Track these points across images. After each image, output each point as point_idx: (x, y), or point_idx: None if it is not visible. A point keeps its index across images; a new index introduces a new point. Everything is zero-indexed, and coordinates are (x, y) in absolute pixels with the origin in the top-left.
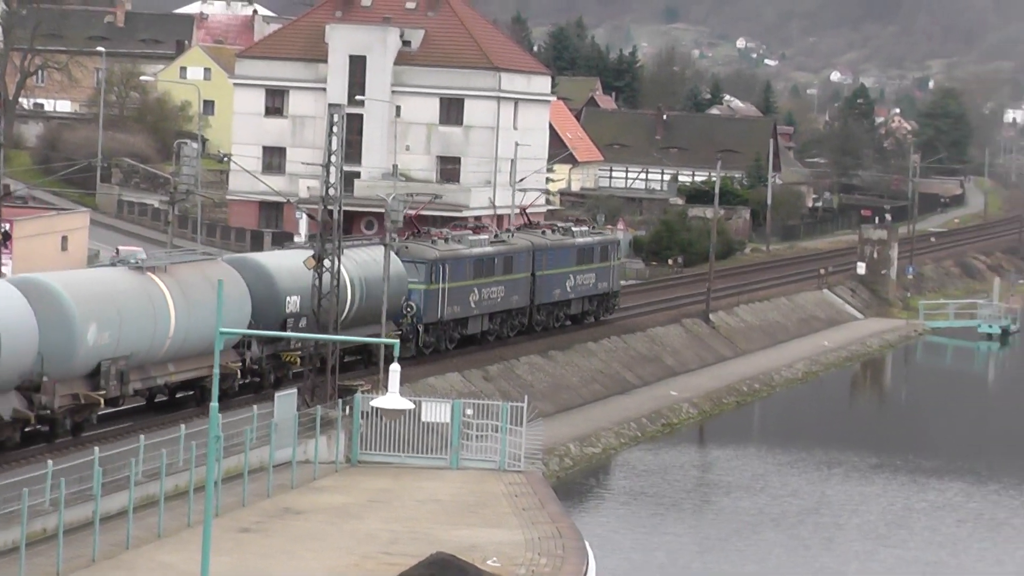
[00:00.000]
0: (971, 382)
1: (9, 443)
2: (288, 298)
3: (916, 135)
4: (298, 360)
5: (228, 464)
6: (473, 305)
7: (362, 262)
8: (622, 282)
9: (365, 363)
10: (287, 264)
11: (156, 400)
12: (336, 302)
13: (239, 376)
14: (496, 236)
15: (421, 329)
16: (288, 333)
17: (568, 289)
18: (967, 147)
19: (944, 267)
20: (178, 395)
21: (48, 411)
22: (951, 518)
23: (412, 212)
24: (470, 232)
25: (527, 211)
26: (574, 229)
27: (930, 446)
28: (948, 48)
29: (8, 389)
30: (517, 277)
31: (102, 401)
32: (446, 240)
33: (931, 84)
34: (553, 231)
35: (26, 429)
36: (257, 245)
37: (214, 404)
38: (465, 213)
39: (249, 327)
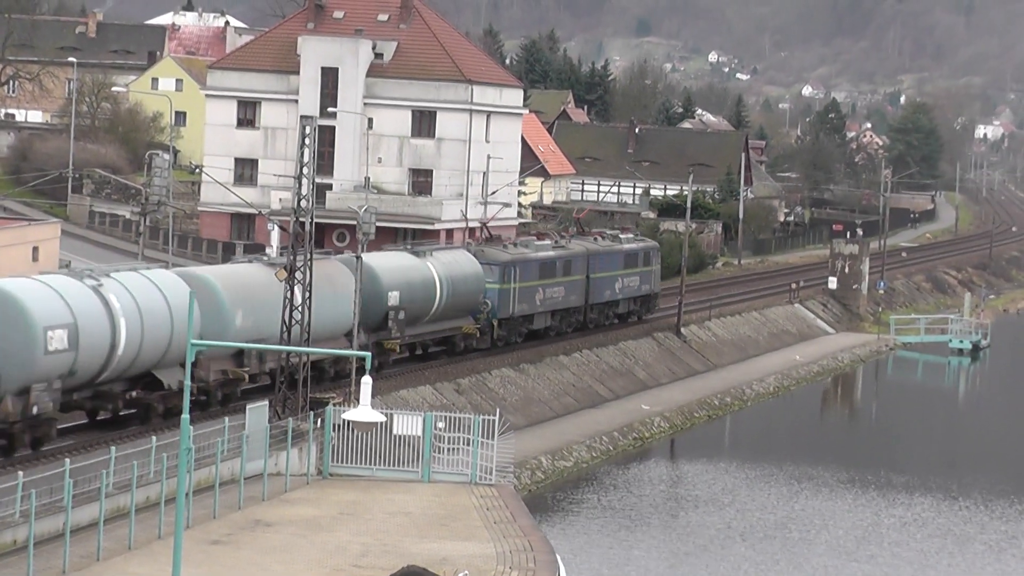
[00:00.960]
0: (942, 397)
1: (175, 409)
2: (389, 292)
3: (887, 150)
4: (246, 377)
5: (199, 476)
6: (538, 303)
7: (447, 262)
8: None
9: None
10: (388, 263)
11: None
12: (310, 314)
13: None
14: (556, 242)
15: (496, 324)
16: (249, 344)
17: (617, 290)
18: (938, 162)
19: (915, 282)
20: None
21: (204, 383)
22: (920, 534)
23: (486, 220)
24: (535, 238)
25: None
26: (621, 236)
27: (900, 461)
28: (919, 63)
29: (175, 364)
30: (575, 279)
31: (247, 377)
32: (515, 245)
33: (902, 99)
34: (603, 238)
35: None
36: (228, 257)
37: (185, 416)
38: (437, 226)
39: (359, 320)
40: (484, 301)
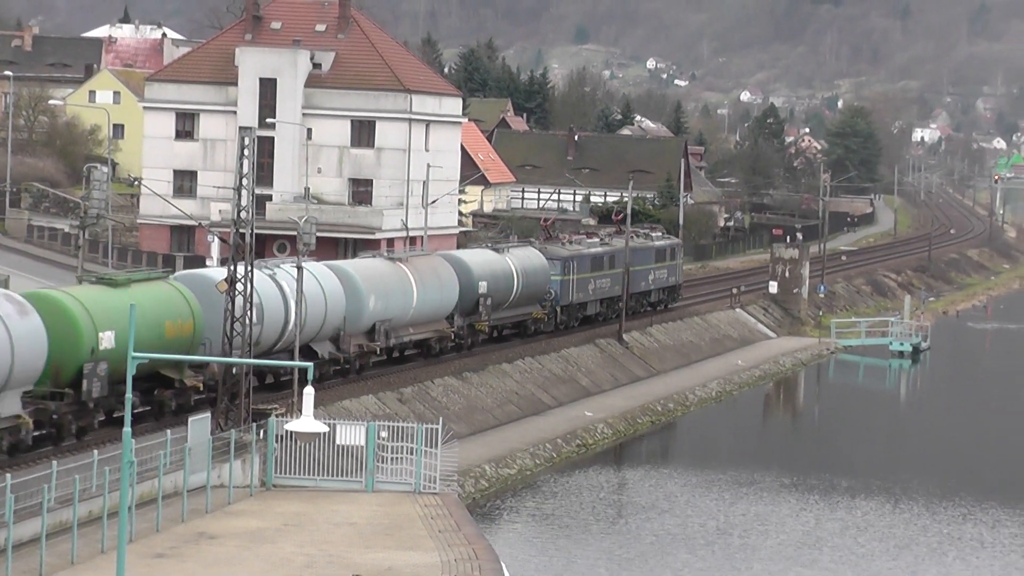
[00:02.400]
0: (883, 400)
1: (326, 375)
2: (480, 282)
3: (826, 154)
4: (377, 349)
5: (142, 489)
6: (590, 292)
7: (521, 257)
8: None
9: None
10: (477, 259)
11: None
12: (251, 325)
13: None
14: (602, 240)
15: (559, 310)
16: (197, 357)
17: (650, 281)
18: (876, 166)
19: (855, 285)
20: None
21: (345, 355)
22: (862, 537)
23: (547, 222)
24: (585, 236)
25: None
26: (652, 234)
27: (842, 465)
28: (856, 68)
29: (325, 339)
30: (617, 271)
31: (378, 349)
32: (571, 243)
33: (840, 103)
34: (636, 236)
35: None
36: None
37: (127, 429)
38: (378, 235)
39: (455, 306)
40: (549, 291)
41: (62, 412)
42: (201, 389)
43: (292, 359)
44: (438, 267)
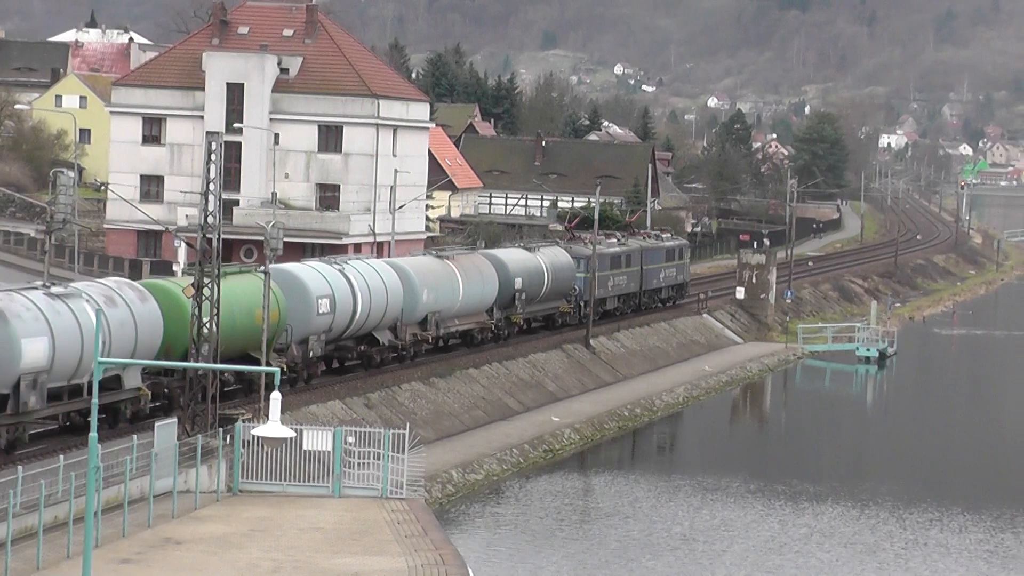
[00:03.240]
0: (849, 405)
1: (385, 360)
2: (516, 278)
3: (793, 160)
4: (429, 338)
5: (108, 494)
6: (610, 289)
7: (550, 256)
8: None
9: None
10: (513, 256)
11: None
12: (218, 330)
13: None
14: (620, 241)
15: (583, 304)
16: (170, 363)
17: (661, 279)
18: (843, 171)
19: (822, 291)
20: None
21: (401, 342)
22: (828, 543)
23: (572, 223)
24: (603, 237)
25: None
26: (662, 236)
27: (809, 470)
28: (823, 73)
29: (385, 327)
30: (633, 270)
31: (430, 338)
32: (588, 243)
33: (807, 109)
34: (649, 237)
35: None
36: (136, 274)
37: (93, 434)
38: (345, 240)
39: (495, 300)
40: (574, 287)
41: (172, 386)
42: (285, 371)
43: (358, 346)
44: (480, 265)
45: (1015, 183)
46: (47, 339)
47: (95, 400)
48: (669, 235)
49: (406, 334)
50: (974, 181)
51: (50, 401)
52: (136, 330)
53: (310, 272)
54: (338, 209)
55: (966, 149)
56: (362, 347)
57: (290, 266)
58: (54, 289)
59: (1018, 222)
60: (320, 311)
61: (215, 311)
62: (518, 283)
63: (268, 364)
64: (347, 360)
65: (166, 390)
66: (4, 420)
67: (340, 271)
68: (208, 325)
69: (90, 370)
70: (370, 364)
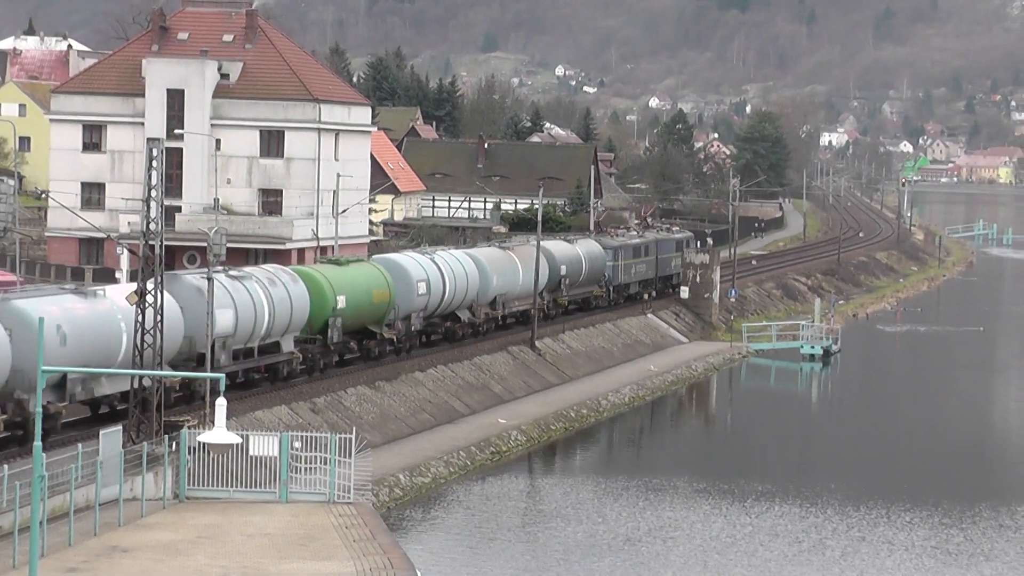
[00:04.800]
0: (795, 403)
1: (465, 334)
2: (561, 266)
3: (735, 159)
4: (396, 338)
5: (53, 503)
6: (633, 275)
7: (586, 246)
8: None
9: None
10: (557, 248)
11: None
12: (162, 337)
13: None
14: (639, 233)
15: (611, 288)
16: (112, 370)
17: (672, 267)
18: (785, 170)
19: (766, 290)
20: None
21: (477, 320)
22: (774, 542)
23: (601, 216)
24: (624, 229)
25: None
26: (672, 229)
27: (755, 469)
28: (764, 72)
29: (465, 307)
30: (650, 259)
31: (499, 317)
32: (618, 234)
33: (748, 108)
34: (660, 230)
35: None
36: (79, 282)
37: (37, 443)
38: (288, 245)
39: (546, 284)
40: (604, 273)
41: (315, 352)
42: (395, 342)
43: (444, 323)
44: (534, 255)
45: (955, 179)
46: (232, 311)
47: (39, 407)
48: (677, 228)
49: (480, 313)
50: (915, 178)
51: (234, 360)
52: (291, 305)
53: (410, 260)
54: (281, 214)
55: (906, 146)
56: (447, 324)
57: (395, 256)
58: (232, 272)
59: (959, 218)
60: (419, 292)
61: (159, 318)
62: (563, 270)
63: (294, 348)
64: (433, 335)
65: (310, 355)
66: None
67: (432, 259)
68: (152, 332)
69: (259, 335)
70: (453, 338)
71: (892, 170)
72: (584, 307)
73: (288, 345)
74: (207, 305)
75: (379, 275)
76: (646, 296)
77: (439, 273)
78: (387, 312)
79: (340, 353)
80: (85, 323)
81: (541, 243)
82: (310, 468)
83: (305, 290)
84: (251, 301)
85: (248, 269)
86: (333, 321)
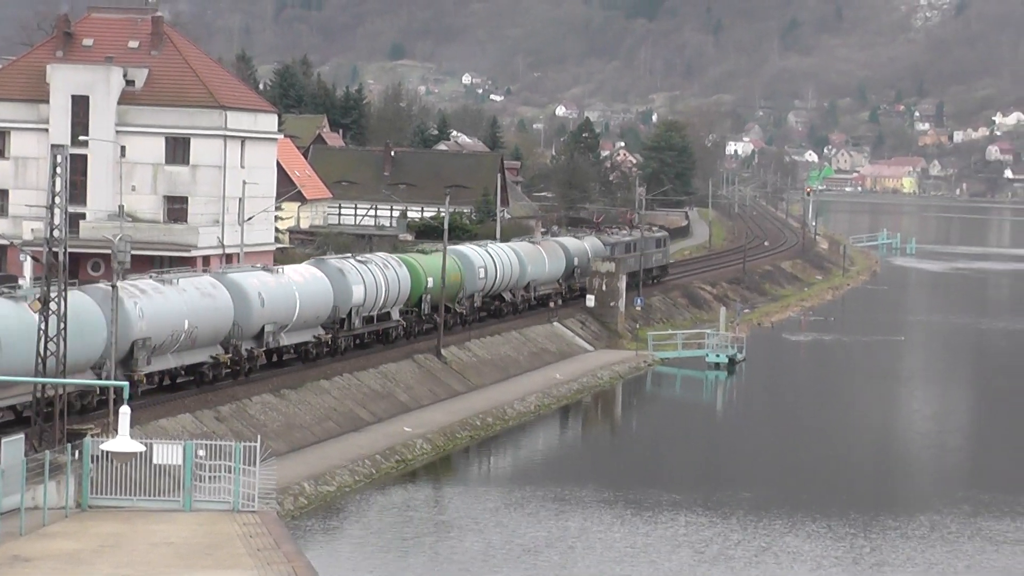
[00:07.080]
0: (700, 412)
1: (509, 312)
2: (575, 258)
3: (641, 168)
4: (465, 312)
5: None
6: (627, 266)
7: (591, 243)
8: None
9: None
10: (570, 243)
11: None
12: (65, 346)
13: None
14: (628, 232)
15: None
16: (13, 377)
17: (653, 261)
18: (691, 179)
19: (672, 298)
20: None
21: (516, 302)
22: (678, 552)
23: (599, 218)
24: (616, 228)
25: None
26: (653, 228)
27: (660, 478)
28: (670, 82)
29: (508, 290)
30: (638, 253)
31: (532, 299)
32: (612, 233)
33: (655, 117)
34: (642, 231)
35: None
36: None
37: None
38: (194, 253)
39: (563, 273)
40: None
41: (411, 321)
42: (462, 316)
43: (492, 303)
44: (555, 248)
45: (860, 189)
46: (362, 286)
47: None
48: (657, 228)
49: (518, 296)
50: (819, 187)
51: (364, 324)
52: (399, 284)
53: (473, 251)
54: (186, 221)
55: (812, 156)
56: (494, 304)
57: (462, 247)
58: (360, 258)
59: (863, 227)
60: (479, 276)
61: (62, 325)
62: (575, 261)
63: (399, 317)
64: (482, 314)
65: (407, 323)
66: (342, 334)
67: (487, 251)
68: (56, 340)
69: (379, 306)
70: (499, 314)
71: (797, 179)
72: (589, 291)
73: (395, 315)
74: (116, 311)
75: (453, 262)
76: (551, 304)
77: (493, 262)
78: (459, 291)
79: (428, 322)
80: (277, 292)
81: (559, 239)
82: (214, 476)
83: (407, 272)
84: (374, 280)
85: (367, 256)
86: (425, 297)
